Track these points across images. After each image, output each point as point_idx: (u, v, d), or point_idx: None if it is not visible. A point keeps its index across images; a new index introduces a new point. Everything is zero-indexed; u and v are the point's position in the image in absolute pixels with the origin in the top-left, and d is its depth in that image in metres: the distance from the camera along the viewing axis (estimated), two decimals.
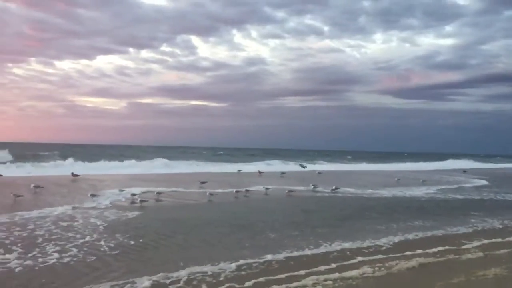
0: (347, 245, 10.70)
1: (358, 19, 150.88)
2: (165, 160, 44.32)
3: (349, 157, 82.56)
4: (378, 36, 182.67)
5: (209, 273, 8.06)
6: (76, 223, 12.25)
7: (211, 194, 19.59)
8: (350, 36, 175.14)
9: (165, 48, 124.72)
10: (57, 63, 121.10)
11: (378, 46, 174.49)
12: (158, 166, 40.38)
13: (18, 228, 11.25)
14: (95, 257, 8.91)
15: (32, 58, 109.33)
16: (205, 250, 9.94)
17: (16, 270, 7.89)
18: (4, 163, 33.88)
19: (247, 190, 21.64)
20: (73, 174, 27.50)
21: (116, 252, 9.42)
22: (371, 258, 9.53)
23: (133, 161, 42.38)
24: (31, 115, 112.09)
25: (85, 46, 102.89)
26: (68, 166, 33.68)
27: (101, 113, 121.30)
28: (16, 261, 8.34)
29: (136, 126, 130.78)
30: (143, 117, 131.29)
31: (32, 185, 19.71)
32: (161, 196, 18.61)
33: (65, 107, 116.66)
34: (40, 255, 8.88)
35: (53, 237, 10.47)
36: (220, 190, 21.26)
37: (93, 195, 17.18)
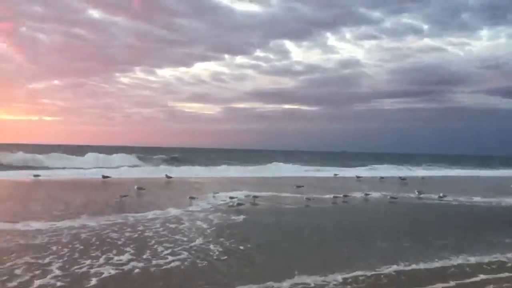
0: (466, 259, 9.56)
1: (461, 16, 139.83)
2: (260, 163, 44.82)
3: (450, 161, 76.46)
4: (484, 32, 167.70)
5: (312, 285, 7.64)
6: (182, 226, 12.47)
7: (308, 199, 19.18)
8: (452, 34, 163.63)
9: (259, 53, 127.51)
10: (158, 71, 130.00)
11: (484, 43, 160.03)
12: (253, 169, 40.90)
13: (128, 229, 11.71)
14: (205, 262, 8.88)
15: (137, 67, 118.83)
16: (309, 258, 9.50)
17: (130, 271, 8.05)
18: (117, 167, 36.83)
19: (345, 196, 20.86)
20: (167, 176, 29.11)
21: (225, 257, 9.32)
22: (496, 276, 8.39)
23: (224, 166, 43.33)
24: (136, 120, 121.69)
25: (184, 54, 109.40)
26: (164, 169, 35.48)
27: (198, 118, 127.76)
28: (130, 263, 8.55)
29: (231, 130, 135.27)
30: (238, 121, 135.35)
31: (135, 187, 20.98)
32: (257, 200, 18.60)
33: (166, 113, 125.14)
34: (151, 257, 9.05)
35: (162, 239, 10.70)
36: (316, 195, 20.69)
37: (191, 198, 17.71)
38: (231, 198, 18.15)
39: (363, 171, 44.53)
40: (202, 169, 39.63)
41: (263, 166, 44.70)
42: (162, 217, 13.84)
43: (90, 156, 42.62)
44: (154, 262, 8.73)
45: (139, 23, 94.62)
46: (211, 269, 8.49)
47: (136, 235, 11.11)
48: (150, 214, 14.11)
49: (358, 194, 22.09)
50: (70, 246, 9.75)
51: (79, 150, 51.89)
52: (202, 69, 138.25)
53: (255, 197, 19.09)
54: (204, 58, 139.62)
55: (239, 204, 16.77)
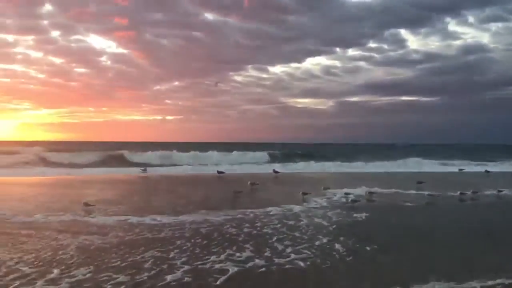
0: None
1: None
2: (377, 159, 42.71)
3: None
4: None
5: None
6: (301, 223, 11.98)
7: (430, 195, 17.51)
8: None
9: (371, 44, 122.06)
10: (270, 68, 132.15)
11: None
12: (370, 165, 39.06)
13: (247, 225, 11.54)
14: (328, 262, 8.27)
15: (249, 66, 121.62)
16: (440, 262, 8.39)
17: (252, 269, 7.79)
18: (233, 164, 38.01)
19: (474, 192, 18.61)
20: (274, 171, 29.12)
21: (349, 258, 8.61)
22: None
23: (338, 161, 41.93)
24: (250, 117, 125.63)
25: (294, 50, 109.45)
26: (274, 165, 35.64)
27: (310, 113, 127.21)
28: (252, 260, 8.29)
29: (344, 125, 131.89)
30: (351, 115, 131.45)
31: (249, 182, 21.14)
32: (374, 197, 17.41)
33: (278, 109, 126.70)
34: (271, 255, 8.69)
35: (282, 236, 10.32)
36: (439, 192, 18.63)
37: (304, 194, 17.18)
38: (347, 194, 17.28)
39: (494, 166, 39.92)
40: (316, 164, 39.07)
41: (387, 162, 42.18)
42: (279, 213, 13.50)
43: (213, 153, 44.49)
44: (275, 260, 8.33)
45: (250, 23, 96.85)
46: (336, 271, 7.84)
47: (255, 232, 10.88)
48: (266, 210, 13.85)
49: (489, 191, 19.54)
50: (192, 240, 9.83)
51: (200, 147, 54.46)
52: (313, 64, 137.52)
53: (370, 193, 17.96)
54: (315, 53, 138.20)
55: (353, 201, 15.83)
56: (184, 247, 9.20)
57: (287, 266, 8.00)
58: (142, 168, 30.98)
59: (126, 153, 43.08)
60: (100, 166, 34.42)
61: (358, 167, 37.93)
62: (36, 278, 7.05)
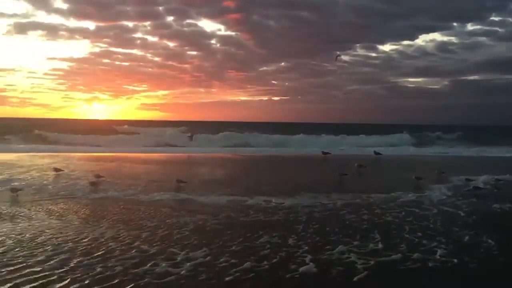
0: None
1: None
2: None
3: None
4: None
5: None
6: (428, 212, 10.57)
7: None
8: None
9: (494, 18, 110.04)
10: (379, 47, 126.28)
11: None
12: (494, 149, 35.00)
13: (365, 211, 10.46)
14: (477, 261, 6.94)
15: (357, 44, 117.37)
16: None
17: (390, 264, 6.78)
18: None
19: None
20: (375, 153, 27.25)
21: (503, 257, 7.19)
22: None
23: (454, 145, 38.33)
24: (356, 97, 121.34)
25: (406, 26, 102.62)
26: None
27: (421, 93, 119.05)
28: (386, 253, 7.28)
29: (460, 105, 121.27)
30: (468, 95, 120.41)
31: (356, 164, 19.82)
32: (501, 185, 15.07)
33: (387, 89, 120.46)
34: (407, 247, 7.58)
35: (411, 226, 9.07)
36: None
37: (418, 178, 15.49)
38: (468, 180, 15.30)
39: None
40: (427, 147, 36.22)
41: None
42: (398, 199, 12.19)
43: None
44: (413, 255, 7.18)
45: (360, 0, 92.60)
46: (491, 272, 6.52)
47: (376, 219, 9.80)
48: (382, 196, 12.61)
49: None
50: (309, 226, 9.06)
51: (305, 127, 53.77)
52: (427, 40, 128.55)
53: (498, 180, 15.67)
54: (429, 29, 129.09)
55: (476, 188, 13.87)
56: (302, 233, 8.46)
57: (430, 264, 6.83)
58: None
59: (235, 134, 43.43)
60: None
61: (477, 151, 34.22)
62: (157, 258, 6.78)
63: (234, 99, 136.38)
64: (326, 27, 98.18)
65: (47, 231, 8.31)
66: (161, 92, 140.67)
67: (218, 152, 30.34)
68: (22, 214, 9.76)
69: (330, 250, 7.41)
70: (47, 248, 7.22)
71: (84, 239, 7.83)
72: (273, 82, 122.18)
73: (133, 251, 7.17)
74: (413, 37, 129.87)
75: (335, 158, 26.04)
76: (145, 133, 43.61)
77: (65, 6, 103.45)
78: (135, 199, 11.76)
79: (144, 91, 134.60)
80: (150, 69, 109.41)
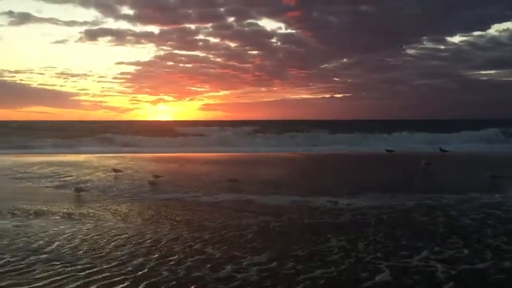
0: None
1: None
2: None
3: None
4: None
5: None
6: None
7: None
8: None
9: None
10: (448, 39, 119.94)
11: None
12: None
13: (438, 213, 9.68)
14: None
15: (424, 37, 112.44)
16: None
17: (484, 273, 6.11)
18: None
19: None
20: (440, 150, 25.63)
21: None
22: None
23: None
24: (424, 92, 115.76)
25: (477, 16, 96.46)
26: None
27: (496, 86, 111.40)
28: (468, 262, 6.58)
29: None
30: None
31: (423, 162, 18.71)
32: None
33: (457, 82, 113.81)
34: (494, 256, 6.90)
35: (495, 231, 8.24)
36: None
37: (493, 177, 14.46)
38: None
39: None
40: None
41: None
42: (475, 201, 11.18)
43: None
44: (506, 264, 6.40)
45: None
46: None
47: (453, 222, 8.99)
48: (457, 196, 11.65)
49: None
50: (378, 229, 8.46)
51: (368, 124, 52.20)
52: (500, 30, 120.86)
53: None
54: (503, 18, 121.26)
55: None
56: (371, 238, 7.89)
57: None
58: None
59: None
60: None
61: None
62: (221, 262, 6.55)
63: (296, 97, 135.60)
64: (389, 21, 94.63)
65: (111, 232, 8.36)
66: (223, 92, 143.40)
67: (280, 152, 30.01)
68: (86, 214, 9.95)
69: (405, 256, 6.80)
70: (111, 248, 7.23)
71: (147, 240, 7.78)
72: (335, 79, 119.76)
73: (197, 254, 6.98)
74: (485, 28, 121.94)
75: (399, 155, 24.90)
76: (207, 133, 44.18)
77: (131, 12, 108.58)
78: (195, 199, 11.68)
79: (207, 91, 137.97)
80: (212, 70, 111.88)
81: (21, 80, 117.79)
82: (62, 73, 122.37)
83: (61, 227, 8.67)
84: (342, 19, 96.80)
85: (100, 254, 6.92)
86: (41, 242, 7.60)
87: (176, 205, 10.91)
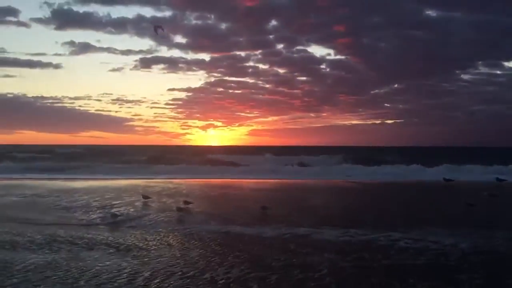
0: None
1: None
2: None
3: None
4: None
5: None
6: None
7: None
8: None
9: None
10: (505, 64, 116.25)
11: None
12: None
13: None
14: None
15: (479, 62, 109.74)
16: None
17: None
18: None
19: None
20: (497, 179, 24.07)
21: None
22: None
23: None
24: (480, 118, 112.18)
25: None
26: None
27: None
28: None
29: None
30: None
31: (485, 193, 17.04)
32: None
33: None
34: None
35: None
36: None
37: None
38: None
39: None
40: None
41: None
42: None
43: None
44: None
45: (480, 15, 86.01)
46: None
47: None
48: None
49: None
50: (476, 274, 7.22)
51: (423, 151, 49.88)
52: None
53: None
54: None
55: None
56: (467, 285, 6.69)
57: None
58: None
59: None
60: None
61: None
62: None
63: (345, 123, 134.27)
64: (442, 46, 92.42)
65: (161, 268, 7.56)
66: (271, 118, 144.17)
67: (332, 179, 28.71)
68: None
69: None
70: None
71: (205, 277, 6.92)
72: (385, 105, 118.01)
73: None
74: None
75: (459, 184, 23.25)
76: (247, 161, 42.44)
77: (184, 40, 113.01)
78: (233, 231, 10.86)
79: (256, 117, 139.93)
80: (261, 96, 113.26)
81: (80, 106, 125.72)
82: (117, 99, 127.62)
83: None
84: (393, 45, 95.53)
85: None
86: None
87: (208, 236, 10.11)
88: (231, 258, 8.26)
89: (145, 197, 16.28)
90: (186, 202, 14.48)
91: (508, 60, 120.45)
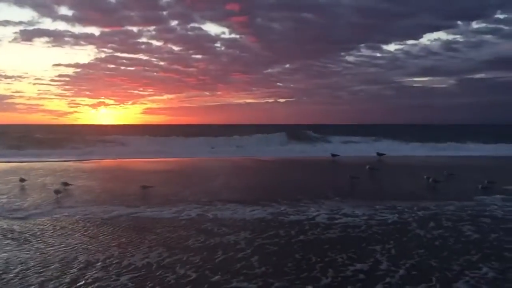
0: None
1: None
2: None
3: None
4: None
5: None
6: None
7: None
8: None
9: (499, 15, 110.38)
10: (384, 47, 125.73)
11: None
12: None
13: (414, 225, 9.40)
14: None
15: (362, 45, 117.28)
16: None
17: None
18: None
19: None
20: (378, 154, 26.58)
21: None
22: None
23: (453, 143, 37.39)
24: (363, 98, 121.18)
25: (411, 26, 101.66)
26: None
27: (428, 92, 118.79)
28: None
29: (467, 104, 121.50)
30: (475, 94, 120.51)
31: (367, 167, 19.09)
32: None
33: (393, 89, 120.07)
34: None
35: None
36: None
37: (485, 187, 14.03)
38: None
39: None
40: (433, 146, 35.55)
41: None
42: (465, 209, 10.89)
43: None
44: None
45: (363, 0, 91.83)
46: None
47: (446, 234, 8.56)
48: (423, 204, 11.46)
49: None
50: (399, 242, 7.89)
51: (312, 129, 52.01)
52: (432, 39, 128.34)
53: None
54: (434, 28, 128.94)
55: None
56: (390, 253, 7.24)
57: None
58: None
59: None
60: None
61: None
62: None
63: (239, 102, 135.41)
64: (330, 28, 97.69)
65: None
66: (167, 96, 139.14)
67: (225, 156, 28.86)
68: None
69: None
70: None
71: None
72: (278, 84, 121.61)
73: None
74: (417, 37, 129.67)
75: (343, 160, 25.17)
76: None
77: (70, 12, 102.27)
78: (140, 215, 10.41)
79: (150, 95, 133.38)
80: (155, 74, 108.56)
81: None
82: None
83: None
84: (286, 26, 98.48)
85: None
86: None
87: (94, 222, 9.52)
88: (146, 241, 7.85)
89: (22, 180, 15.01)
90: (65, 184, 13.89)
91: (386, 43, 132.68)
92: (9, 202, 11.66)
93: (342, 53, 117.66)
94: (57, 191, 12.57)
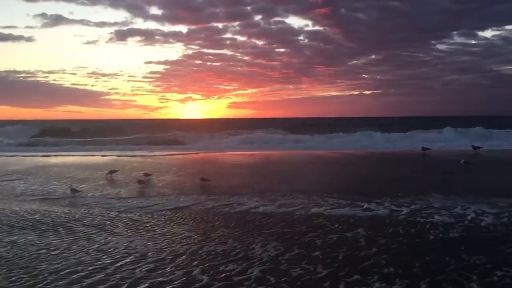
0: None
1: None
2: None
3: None
4: None
5: None
6: None
7: None
8: None
9: None
10: (480, 33, 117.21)
11: None
12: None
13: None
14: None
15: (454, 32, 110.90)
16: None
17: None
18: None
19: None
20: (473, 147, 24.90)
21: None
22: None
23: None
24: (455, 88, 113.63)
25: (509, 10, 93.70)
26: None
27: None
28: None
29: None
30: None
31: (462, 161, 17.47)
32: None
33: (489, 78, 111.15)
34: None
35: None
36: None
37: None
38: None
39: None
40: None
41: None
42: None
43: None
44: None
45: None
46: None
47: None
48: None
49: None
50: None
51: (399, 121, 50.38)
52: None
53: None
54: None
55: None
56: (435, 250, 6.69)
57: None
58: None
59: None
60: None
61: None
62: None
63: (324, 95, 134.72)
64: (419, 16, 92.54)
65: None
66: (251, 90, 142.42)
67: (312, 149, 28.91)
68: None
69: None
70: None
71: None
72: (363, 75, 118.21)
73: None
74: None
75: (435, 153, 24.01)
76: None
77: (160, 12, 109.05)
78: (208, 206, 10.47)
79: (234, 89, 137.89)
80: (239, 68, 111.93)
81: (54, 80, 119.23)
82: (93, 73, 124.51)
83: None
84: (371, 15, 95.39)
85: None
86: None
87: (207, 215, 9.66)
88: (262, 235, 7.91)
89: (111, 172, 15.87)
90: (146, 174, 14.84)
91: (482, 29, 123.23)
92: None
93: (433, 41, 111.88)
94: (140, 181, 13.73)
